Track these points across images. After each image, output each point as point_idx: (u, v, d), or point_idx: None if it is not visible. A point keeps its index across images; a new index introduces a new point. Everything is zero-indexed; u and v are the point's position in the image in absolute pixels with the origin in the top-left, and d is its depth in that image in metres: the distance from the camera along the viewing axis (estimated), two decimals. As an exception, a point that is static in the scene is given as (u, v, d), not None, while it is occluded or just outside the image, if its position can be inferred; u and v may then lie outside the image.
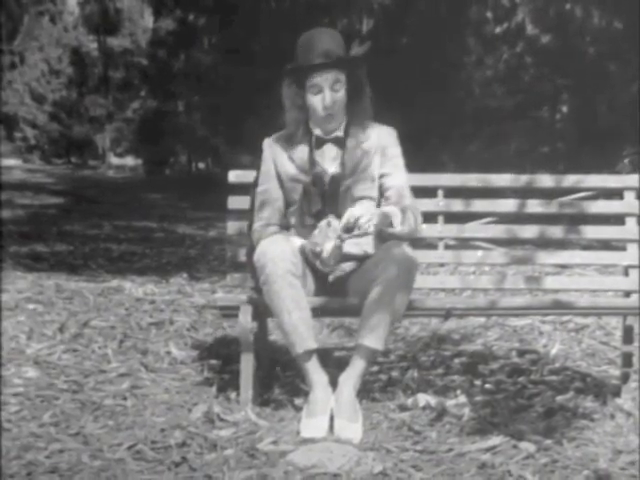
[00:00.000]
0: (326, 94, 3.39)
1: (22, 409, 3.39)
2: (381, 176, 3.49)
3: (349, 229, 3.23)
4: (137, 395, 3.61)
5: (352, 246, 3.37)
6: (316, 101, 3.40)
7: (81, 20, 25.53)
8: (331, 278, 3.44)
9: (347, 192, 3.43)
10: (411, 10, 12.51)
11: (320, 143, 3.49)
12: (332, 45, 3.39)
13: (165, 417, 3.33)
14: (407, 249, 3.32)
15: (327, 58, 3.36)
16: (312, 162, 3.47)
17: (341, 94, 3.42)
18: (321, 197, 3.43)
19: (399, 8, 12.76)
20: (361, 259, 3.39)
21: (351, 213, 3.24)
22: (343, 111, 3.47)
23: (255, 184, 3.59)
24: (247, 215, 3.62)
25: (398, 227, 3.35)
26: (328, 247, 3.30)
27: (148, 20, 21.49)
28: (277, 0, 13.33)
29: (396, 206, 3.40)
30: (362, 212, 3.24)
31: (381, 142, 3.51)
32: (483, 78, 12.07)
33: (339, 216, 3.34)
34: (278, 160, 3.51)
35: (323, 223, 3.36)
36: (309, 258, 3.35)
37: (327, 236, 3.32)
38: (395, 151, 3.53)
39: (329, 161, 3.48)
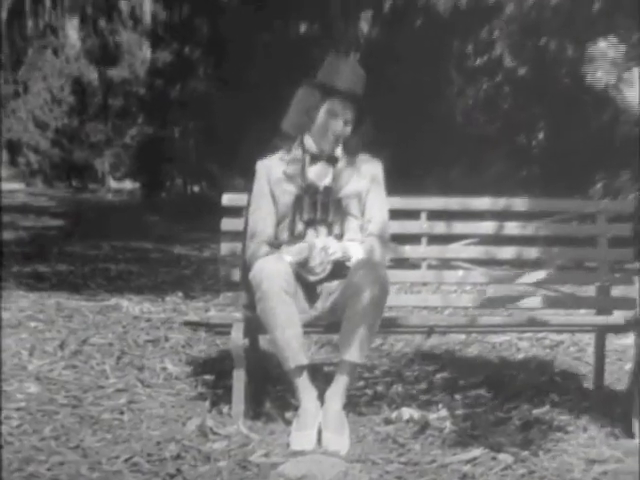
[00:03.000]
0: (340, 124, 3.46)
1: (24, 423, 3.38)
2: (366, 202, 3.52)
3: (303, 265, 3.36)
4: (134, 409, 3.60)
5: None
6: (330, 124, 3.46)
7: (82, 52, 25.64)
8: (319, 289, 3.45)
9: (337, 205, 3.46)
10: (396, 44, 12.60)
11: (314, 160, 3.52)
12: (361, 83, 3.50)
13: (160, 430, 3.32)
14: (381, 270, 3.34)
15: (355, 91, 3.45)
16: (305, 175, 3.50)
17: (349, 128, 3.50)
18: (312, 206, 3.46)
19: (385, 42, 12.84)
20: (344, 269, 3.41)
21: (323, 244, 3.35)
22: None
23: (248, 205, 3.61)
24: (241, 236, 3.63)
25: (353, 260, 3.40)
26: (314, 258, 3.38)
27: (146, 52, 21.55)
28: (270, 33, 13.38)
29: (368, 239, 3.46)
30: (330, 245, 3.37)
31: (370, 171, 3.56)
32: (464, 107, 12.13)
33: (328, 225, 3.41)
34: (272, 177, 3.54)
35: (315, 241, 3.42)
36: (298, 269, 3.39)
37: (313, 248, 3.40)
38: (381, 183, 3.59)
39: (321, 177, 3.52)
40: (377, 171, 3.59)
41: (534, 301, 4.04)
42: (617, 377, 4.02)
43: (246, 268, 3.48)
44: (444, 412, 3.51)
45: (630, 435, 3.22)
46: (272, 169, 3.56)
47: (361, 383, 3.96)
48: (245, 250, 3.57)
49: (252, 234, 3.55)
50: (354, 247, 3.43)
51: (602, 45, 2.71)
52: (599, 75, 2.58)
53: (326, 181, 3.51)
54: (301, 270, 3.41)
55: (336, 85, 3.45)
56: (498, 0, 11.11)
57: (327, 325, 3.49)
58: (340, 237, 3.46)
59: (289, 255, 3.42)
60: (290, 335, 3.26)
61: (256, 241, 3.53)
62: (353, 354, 3.25)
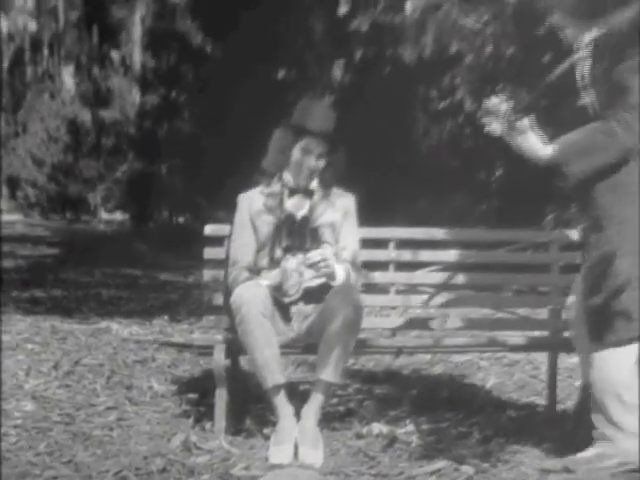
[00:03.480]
0: (313, 159, 3.48)
1: (20, 440, 3.33)
2: (339, 232, 3.53)
3: (314, 263, 3.31)
4: (122, 426, 3.56)
5: (311, 281, 3.42)
6: (305, 160, 3.47)
7: (77, 96, 25.76)
8: (294, 309, 3.44)
9: (313, 234, 3.47)
10: (366, 89, 12.71)
11: (291, 193, 3.53)
12: (331, 122, 3.50)
13: (147, 446, 3.28)
14: (355, 294, 3.34)
15: (326, 129, 3.47)
16: (283, 207, 3.51)
17: (322, 162, 3.50)
18: (290, 235, 3.47)
19: (356, 87, 12.96)
20: (319, 293, 3.40)
21: (321, 253, 3.32)
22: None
23: (230, 235, 3.61)
24: (223, 263, 3.62)
25: (339, 282, 3.39)
26: (287, 281, 3.39)
27: (135, 96, 21.64)
28: (248, 79, 13.46)
29: (344, 265, 3.44)
30: (328, 255, 3.34)
31: (343, 204, 3.57)
32: (429, 146, 12.24)
33: (305, 253, 3.40)
34: (253, 208, 3.54)
35: (286, 264, 3.41)
36: (274, 294, 3.38)
37: (287, 272, 3.40)
38: (353, 215, 3.60)
39: (298, 208, 3.52)
40: (350, 204, 3.60)
41: (493, 323, 4.05)
42: (568, 393, 4.03)
43: (228, 293, 3.47)
44: (411, 427, 3.50)
45: (578, 448, 3.21)
46: (253, 201, 3.56)
47: (335, 400, 3.94)
48: (227, 276, 3.57)
49: (233, 261, 3.55)
50: (339, 269, 3.43)
51: (495, 100, 2.81)
52: (494, 126, 2.71)
53: (303, 212, 3.52)
54: (276, 293, 3.41)
55: (308, 125, 3.47)
56: (459, 51, 11.25)
57: (304, 346, 3.47)
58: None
59: (265, 279, 3.42)
60: (268, 356, 3.25)
61: (237, 267, 3.53)
62: (329, 374, 3.25)
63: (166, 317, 6.62)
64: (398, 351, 3.84)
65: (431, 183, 11.45)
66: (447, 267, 3.89)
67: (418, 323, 3.84)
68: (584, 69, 2.84)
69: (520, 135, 2.88)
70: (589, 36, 2.81)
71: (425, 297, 3.82)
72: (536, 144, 2.89)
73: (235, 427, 3.48)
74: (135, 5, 22.91)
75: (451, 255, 3.88)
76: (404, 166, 11.76)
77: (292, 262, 3.43)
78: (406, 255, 3.85)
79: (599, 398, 2.90)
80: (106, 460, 3.10)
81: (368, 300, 3.71)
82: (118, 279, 10.01)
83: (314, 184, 3.54)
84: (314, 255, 3.34)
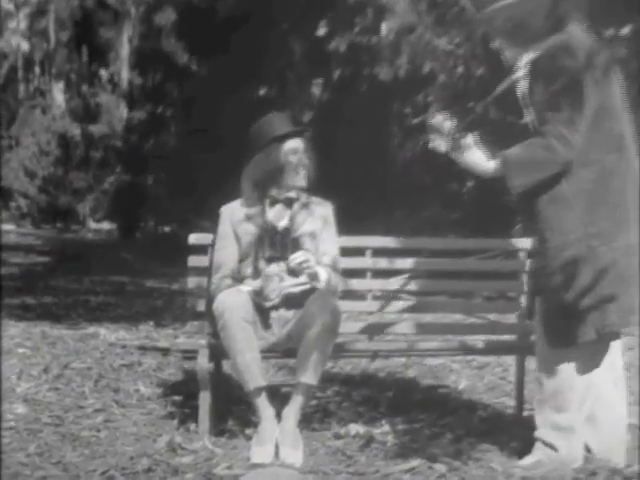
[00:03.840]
0: (302, 156, 3.48)
1: (12, 441, 3.29)
2: (319, 240, 3.51)
3: (298, 264, 3.30)
4: (110, 427, 3.53)
5: (293, 287, 3.40)
6: (295, 159, 3.47)
7: (67, 112, 25.74)
8: (274, 315, 3.41)
9: (294, 243, 3.45)
10: (344, 106, 12.74)
11: (273, 202, 3.50)
12: (292, 120, 3.57)
13: (133, 446, 3.25)
14: (333, 299, 3.33)
15: (298, 128, 3.53)
16: (265, 217, 3.49)
17: (307, 158, 3.52)
18: (272, 245, 3.44)
19: (335, 104, 12.99)
20: (300, 299, 3.38)
21: (304, 254, 3.32)
22: None
23: (213, 244, 3.58)
24: (207, 271, 3.60)
25: (323, 284, 3.38)
26: (268, 286, 3.36)
27: (123, 112, 21.61)
28: (231, 96, 13.47)
29: (326, 269, 3.43)
30: (310, 256, 3.34)
31: (322, 212, 3.56)
32: (404, 159, 12.29)
33: (287, 261, 3.38)
34: (235, 219, 3.52)
35: (267, 268, 3.39)
36: (255, 299, 3.36)
37: (268, 277, 3.38)
38: (332, 222, 3.58)
39: (279, 219, 3.50)
40: (328, 212, 3.59)
41: (464, 327, 4.05)
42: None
43: (210, 300, 3.45)
44: (387, 428, 3.49)
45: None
46: (235, 212, 3.54)
47: (314, 402, 3.92)
48: (210, 284, 3.54)
49: (217, 269, 3.53)
50: (322, 270, 3.41)
51: (439, 117, 2.85)
52: (437, 142, 2.75)
53: (284, 222, 3.50)
54: (257, 297, 3.39)
55: (284, 130, 3.48)
56: (432, 71, 11.29)
57: (284, 350, 3.45)
58: (296, 273, 3.44)
59: (247, 286, 3.40)
60: (249, 360, 3.22)
61: (220, 275, 3.50)
62: (308, 376, 3.23)
63: (152, 323, 6.57)
64: (374, 355, 3.83)
65: (406, 194, 11.48)
66: (421, 274, 3.88)
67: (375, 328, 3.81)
68: (523, 88, 2.88)
69: (464, 151, 2.90)
70: (526, 58, 2.86)
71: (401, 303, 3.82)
72: (480, 160, 2.91)
73: (218, 428, 3.45)
74: (122, 26, 22.94)
75: (425, 263, 3.87)
76: (380, 178, 11.78)
77: (273, 267, 3.42)
78: (382, 263, 3.84)
79: (548, 398, 2.89)
80: (94, 460, 3.07)
81: (346, 306, 3.70)
82: (106, 286, 9.94)
83: (293, 194, 3.52)
84: (297, 256, 3.33)
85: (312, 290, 3.38)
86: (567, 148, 2.74)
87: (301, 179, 3.51)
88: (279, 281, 3.41)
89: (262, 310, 3.42)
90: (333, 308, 3.27)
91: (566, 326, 2.80)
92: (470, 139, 2.89)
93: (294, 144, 3.49)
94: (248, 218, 3.50)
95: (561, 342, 2.82)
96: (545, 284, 2.83)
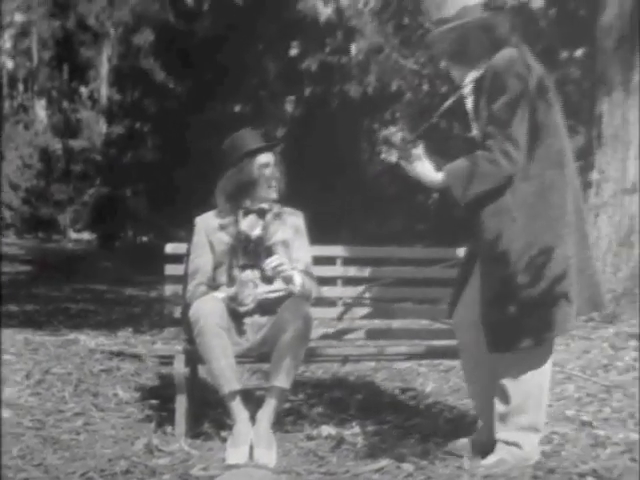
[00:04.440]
0: (273, 169, 3.47)
1: (-3, 445, 3.22)
2: (292, 248, 3.49)
3: (273, 268, 3.29)
4: (89, 431, 3.47)
5: (267, 294, 3.39)
6: (267, 173, 3.46)
7: (49, 127, 25.60)
8: (248, 321, 3.38)
9: (267, 252, 3.43)
10: (316, 122, 12.78)
11: (246, 213, 3.48)
12: (262, 136, 3.54)
13: (112, 449, 3.20)
14: (306, 306, 3.31)
15: (268, 143, 3.51)
16: (238, 227, 3.47)
17: (278, 171, 3.51)
18: (245, 254, 3.42)
19: (307, 120, 13.03)
20: (273, 305, 3.36)
21: (279, 258, 3.31)
22: None
23: (188, 254, 3.55)
24: (183, 279, 3.57)
25: (298, 288, 3.36)
26: (242, 291, 3.34)
27: (102, 127, 21.53)
28: (209, 112, 13.44)
29: (300, 274, 3.42)
30: (285, 261, 3.33)
31: (294, 222, 3.54)
32: (373, 172, 12.34)
33: (261, 270, 3.36)
34: (209, 229, 3.49)
35: (242, 275, 3.37)
36: (230, 304, 3.34)
37: (243, 283, 3.36)
38: (304, 231, 3.57)
39: (252, 228, 3.48)
40: (300, 222, 3.57)
41: (431, 332, 4.04)
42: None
43: (186, 307, 3.41)
44: (357, 429, 3.47)
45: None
46: (209, 222, 3.52)
47: (287, 405, 3.89)
48: (185, 292, 3.51)
49: (192, 278, 3.50)
50: (297, 276, 3.39)
51: (392, 129, 2.91)
52: (390, 152, 2.80)
53: (257, 231, 3.48)
54: (232, 303, 3.36)
55: (255, 145, 3.46)
56: (399, 89, 11.37)
57: (258, 355, 3.43)
58: (270, 280, 3.42)
59: (222, 292, 3.38)
60: (224, 365, 3.20)
61: (195, 283, 3.47)
62: (281, 380, 3.21)
63: (130, 329, 6.50)
64: (345, 359, 3.81)
65: (375, 206, 11.52)
66: (389, 282, 3.88)
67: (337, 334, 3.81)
68: (469, 104, 2.93)
69: (414, 162, 2.91)
70: (471, 76, 2.90)
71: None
72: (429, 171, 2.92)
73: (194, 431, 3.42)
74: (102, 46, 22.91)
75: (392, 271, 3.87)
76: (350, 190, 11.83)
77: (248, 274, 3.39)
78: (352, 271, 3.83)
79: (512, 401, 2.89)
80: (73, 463, 3.01)
81: (318, 312, 3.68)
82: (86, 294, 9.84)
83: (265, 204, 3.50)
84: (272, 260, 3.31)
85: (286, 296, 3.36)
86: (510, 163, 2.77)
87: (273, 192, 3.50)
88: (253, 287, 3.38)
89: (236, 316, 3.39)
90: (305, 314, 3.26)
91: (509, 332, 2.81)
92: (420, 150, 2.91)
93: (265, 158, 3.48)
94: (222, 228, 3.48)
95: (502, 348, 2.84)
96: (490, 292, 2.84)
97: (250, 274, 3.40)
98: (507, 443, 2.92)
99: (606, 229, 5.89)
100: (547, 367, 2.92)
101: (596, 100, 6.00)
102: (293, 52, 13.92)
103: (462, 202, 2.87)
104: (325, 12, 14.04)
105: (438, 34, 2.91)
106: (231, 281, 3.42)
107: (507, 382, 2.90)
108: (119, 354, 5.15)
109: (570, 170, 2.88)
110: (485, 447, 3.01)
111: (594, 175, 5.96)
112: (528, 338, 2.81)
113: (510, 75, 2.77)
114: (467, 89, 2.92)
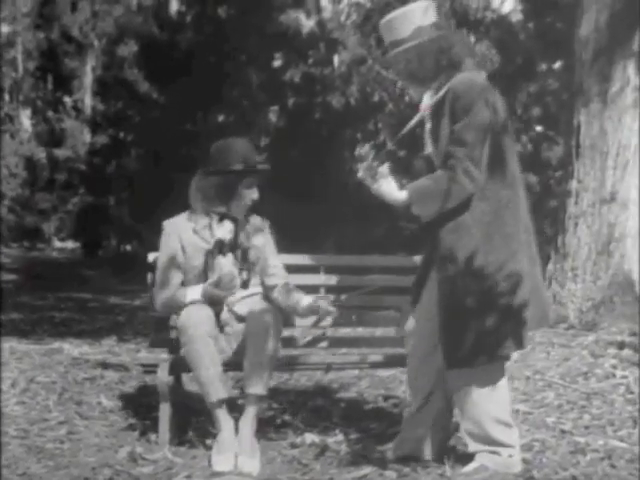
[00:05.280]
0: (255, 191, 3.48)
1: (-18, 455, 3.18)
2: (266, 254, 3.51)
3: (217, 283, 3.31)
4: (73, 439, 3.44)
5: (241, 307, 3.37)
6: (248, 194, 3.45)
7: (33, 136, 25.50)
8: (229, 330, 3.37)
9: (242, 255, 3.44)
10: (299, 131, 12.79)
11: (221, 218, 3.47)
12: (255, 153, 3.52)
13: (96, 457, 3.16)
14: (272, 313, 3.28)
15: (261, 166, 3.49)
16: (213, 232, 3.45)
17: (257, 192, 3.51)
18: (219, 258, 3.41)
19: (290, 130, 13.04)
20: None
21: (222, 271, 3.32)
22: None
23: (158, 260, 3.51)
24: (150, 287, 3.54)
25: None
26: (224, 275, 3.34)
27: (86, 136, 21.46)
28: (190, 122, 13.43)
29: (281, 282, 3.46)
30: (227, 273, 3.33)
31: (261, 228, 3.56)
32: (355, 182, 12.38)
33: (238, 273, 3.40)
34: (183, 234, 3.45)
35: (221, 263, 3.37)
36: (214, 291, 3.33)
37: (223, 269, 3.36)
38: (271, 239, 3.59)
39: (226, 232, 3.46)
40: (267, 229, 3.59)
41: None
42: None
43: (158, 317, 3.44)
44: (341, 437, 3.45)
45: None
46: (180, 227, 3.47)
47: (270, 413, 3.87)
48: (154, 300, 3.46)
49: (162, 284, 3.43)
50: (304, 300, 3.43)
51: (365, 148, 2.96)
52: (361, 172, 2.87)
53: (231, 236, 3.47)
54: (215, 288, 3.33)
55: (241, 166, 3.42)
56: (381, 99, 11.42)
57: (238, 364, 3.39)
58: (246, 284, 3.42)
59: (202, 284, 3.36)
60: (212, 373, 3.18)
61: (170, 287, 3.41)
62: (256, 387, 3.20)
63: (114, 337, 6.45)
64: (328, 367, 3.80)
65: (357, 215, 11.51)
66: (372, 290, 3.86)
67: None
68: (429, 125, 2.97)
69: (379, 180, 2.92)
70: (427, 97, 2.97)
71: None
72: (393, 189, 2.94)
73: (178, 439, 3.39)
74: (86, 57, 22.87)
75: (376, 279, 3.86)
76: (333, 200, 11.82)
77: (226, 263, 3.37)
78: (334, 279, 3.82)
79: (473, 417, 2.90)
80: (57, 471, 2.99)
81: (302, 320, 3.67)
82: (70, 303, 9.76)
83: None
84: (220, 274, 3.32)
85: (255, 304, 3.34)
86: (472, 182, 2.81)
87: (245, 209, 3.50)
88: (233, 270, 3.37)
89: (222, 324, 3.37)
90: (272, 320, 3.25)
91: (466, 349, 2.84)
92: (385, 169, 2.92)
93: (250, 181, 3.47)
94: (195, 232, 3.45)
95: (459, 364, 2.87)
96: (448, 310, 2.86)
97: (229, 263, 3.37)
98: (488, 451, 2.92)
99: (585, 238, 5.92)
100: (503, 382, 2.94)
101: (574, 111, 6.03)
102: (276, 63, 13.95)
103: (424, 220, 2.92)
104: (308, 24, 14.11)
105: (394, 55, 2.96)
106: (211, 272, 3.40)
107: (464, 398, 2.91)
108: (103, 363, 5.11)
109: (521, 191, 2.95)
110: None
111: (573, 184, 5.99)
112: (485, 355, 2.84)
113: (472, 97, 2.81)
114: (426, 110, 2.96)
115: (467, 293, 2.83)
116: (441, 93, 2.89)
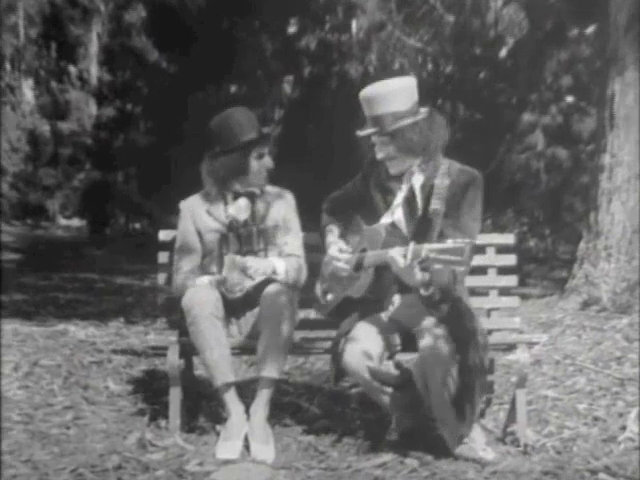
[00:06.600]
0: (268, 159, 3.46)
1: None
2: (282, 230, 3.47)
3: (222, 283, 3.32)
4: (79, 425, 3.47)
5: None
6: (261, 164, 3.44)
7: (36, 108, 25.52)
8: (237, 290, 3.37)
9: (259, 235, 3.42)
10: (314, 103, 12.73)
11: (235, 196, 3.46)
12: (256, 120, 3.49)
13: (103, 444, 3.19)
14: (285, 294, 3.27)
15: (263, 132, 3.49)
16: (227, 212, 3.45)
17: (270, 159, 3.50)
18: (237, 239, 3.41)
19: (305, 101, 12.98)
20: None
21: (243, 261, 3.29)
22: None
23: (175, 242, 3.53)
24: (169, 270, 3.55)
25: (281, 276, 3.36)
26: (232, 276, 3.31)
27: (92, 108, 21.46)
28: (203, 93, 13.39)
29: (286, 260, 3.41)
30: (252, 263, 3.29)
31: (283, 203, 3.52)
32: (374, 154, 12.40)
33: (254, 255, 3.36)
34: (197, 216, 3.46)
35: (227, 258, 3.34)
36: (219, 288, 3.33)
37: (231, 268, 3.32)
38: (293, 212, 3.54)
39: (242, 211, 3.46)
40: (289, 203, 3.55)
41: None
42: (505, 389, 4.01)
43: (171, 300, 3.43)
44: (358, 422, 3.46)
45: (514, 439, 3.21)
46: (195, 208, 3.48)
47: (286, 398, 3.89)
48: (173, 282, 3.49)
49: (178, 268, 3.47)
50: (278, 262, 3.37)
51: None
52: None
53: (247, 215, 3.46)
54: (220, 287, 3.33)
55: (248, 137, 3.41)
56: (401, 67, 11.32)
57: (252, 348, 3.41)
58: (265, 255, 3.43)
59: (210, 276, 3.36)
60: (218, 355, 3.19)
61: (183, 273, 3.44)
62: (269, 370, 3.21)
63: (122, 319, 6.49)
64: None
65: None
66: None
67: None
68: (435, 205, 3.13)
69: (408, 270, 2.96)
70: (415, 164, 3.18)
71: None
72: (413, 274, 2.96)
73: (189, 425, 3.41)
74: (92, 23, 22.77)
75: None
76: (350, 173, 11.82)
77: (236, 259, 3.35)
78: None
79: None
80: (63, 458, 3.01)
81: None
82: (75, 283, 9.82)
83: (255, 188, 3.49)
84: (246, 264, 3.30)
85: (266, 282, 3.33)
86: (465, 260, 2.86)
87: (263, 179, 3.48)
88: (241, 274, 3.33)
89: (230, 309, 3.36)
90: (285, 302, 3.24)
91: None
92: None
93: (260, 150, 3.45)
94: (210, 214, 3.45)
95: None
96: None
97: (239, 260, 3.35)
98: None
99: (619, 215, 5.87)
100: None
101: (608, 80, 5.96)
102: (291, 30, 13.87)
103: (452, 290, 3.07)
104: (324, -13, 14.00)
105: (403, 126, 3.13)
106: (221, 269, 3.39)
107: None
108: (110, 345, 5.14)
109: None
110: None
111: (606, 159, 5.93)
112: None
113: (480, 188, 3.15)
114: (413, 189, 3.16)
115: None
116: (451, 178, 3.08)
